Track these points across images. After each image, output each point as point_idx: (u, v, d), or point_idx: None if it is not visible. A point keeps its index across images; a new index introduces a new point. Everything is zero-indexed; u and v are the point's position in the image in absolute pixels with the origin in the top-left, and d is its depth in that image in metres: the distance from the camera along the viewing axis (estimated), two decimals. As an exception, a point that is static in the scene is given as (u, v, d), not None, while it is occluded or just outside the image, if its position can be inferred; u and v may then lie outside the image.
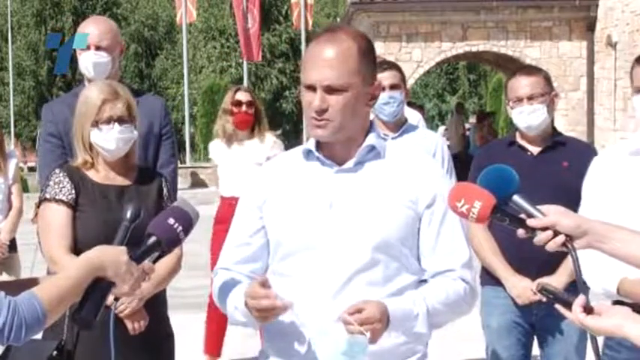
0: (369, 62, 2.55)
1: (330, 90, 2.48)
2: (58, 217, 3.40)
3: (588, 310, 2.13)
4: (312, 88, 2.50)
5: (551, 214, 2.21)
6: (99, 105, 3.39)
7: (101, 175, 3.48)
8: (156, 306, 3.56)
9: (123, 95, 3.45)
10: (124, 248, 2.39)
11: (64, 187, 3.41)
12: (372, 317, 2.36)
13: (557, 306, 2.19)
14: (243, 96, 6.54)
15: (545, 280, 3.73)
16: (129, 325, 3.43)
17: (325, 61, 2.48)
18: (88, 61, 4.11)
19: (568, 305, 2.15)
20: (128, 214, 2.51)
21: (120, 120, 3.41)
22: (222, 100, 6.79)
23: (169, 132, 4.34)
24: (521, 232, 2.23)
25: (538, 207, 2.23)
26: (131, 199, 3.35)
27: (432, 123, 37.45)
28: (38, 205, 3.51)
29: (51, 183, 3.43)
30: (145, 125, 4.10)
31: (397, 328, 2.45)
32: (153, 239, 2.44)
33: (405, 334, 2.49)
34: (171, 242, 2.46)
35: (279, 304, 2.40)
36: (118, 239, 2.47)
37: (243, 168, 6.42)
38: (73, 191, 3.41)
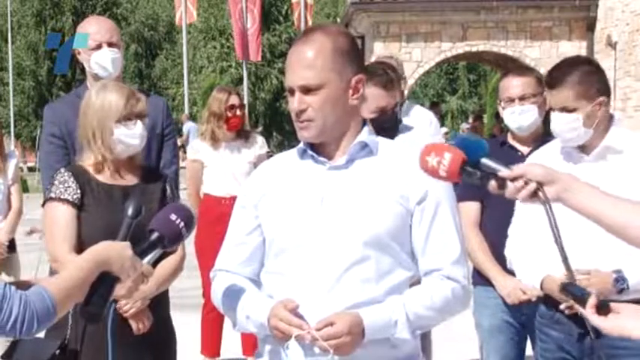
0: (347, 58, 2.55)
1: (306, 90, 2.52)
2: (62, 216, 3.40)
3: (605, 308, 2.13)
4: (292, 91, 2.56)
5: (520, 165, 2.21)
6: (124, 102, 3.41)
7: (107, 174, 3.48)
8: (158, 306, 3.57)
9: (137, 92, 3.51)
10: (128, 243, 2.40)
11: (69, 186, 3.41)
12: (340, 332, 2.40)
13: (576, 305, 2.20)
14: (235, 100, 6.60)
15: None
16: (133, 325, 3.43)
17: (299, 63, 2.54)
18: (104, 59, 4.08)
19: (585, 304, 2.16)
20: (130, 211, 2.52)
21: (140, 116, 3.46)
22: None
23: (172, 132, 4.35)
24: (493, 184, 2.20)
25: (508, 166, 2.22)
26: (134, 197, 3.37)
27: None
28: (42, 205, 3.49)
29: (56, 182, 3.43)
30: (149, 125, 4.12)
31: (374, 337, 2.46)
32: (155, 235, 2.45)
33: (386, 341, 2.50)
34: (173, 238, 2.47)
35: (310, 333, 2.43)
36: (121, 235, 2.48)
37: (238, 167, 6.48)
38: (79, 191, 3.41)
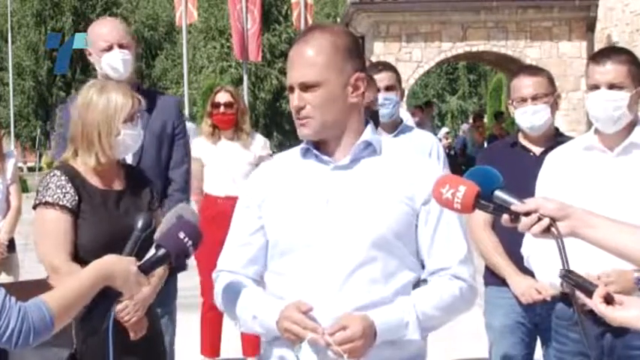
0: (346, 56, 2.56)
1: (305, 87, 2.53)
2: (60, 224, 3.31)
3: (609, 299, 2.12)
4: (292, 88, 2.57)
5: (533, 200, 2.22)
6: (131, 101, 3.38)
7: (100, 177, 3.41)
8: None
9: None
10: (133, 259, 2.41)
11: (67, 192, 3.32)
12: (353, 336, 2.39)
13: (578, 293, 2.18)
14: (221, 97, 6.58)
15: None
16: (132, 332, 3.42)
17: (299, 61, 2.56)
18: (115, 60, 4.11)
19: (589, 293, 2.15)
20: (139, 224, 2.51)
21: (137, 116, 3.44)
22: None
23: (182, 131, 4.36)
24: (505, 217, 2.21)
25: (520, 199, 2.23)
26: (129, 206, 3.37)
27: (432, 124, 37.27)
28: (34, 207, 3.40)
29: (52, 186, 3.33)
30: (159, 125, 4.14)
31: (386, 338, 2.46)
32: (163, 251, 2.45)
33: (396, 343, 2.50)
34: (180, 256, 2.47)
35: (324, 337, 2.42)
36: (127, 249, 2.48)
37: (237, 168, 6.46)
38: (76, 197, 3.33)
